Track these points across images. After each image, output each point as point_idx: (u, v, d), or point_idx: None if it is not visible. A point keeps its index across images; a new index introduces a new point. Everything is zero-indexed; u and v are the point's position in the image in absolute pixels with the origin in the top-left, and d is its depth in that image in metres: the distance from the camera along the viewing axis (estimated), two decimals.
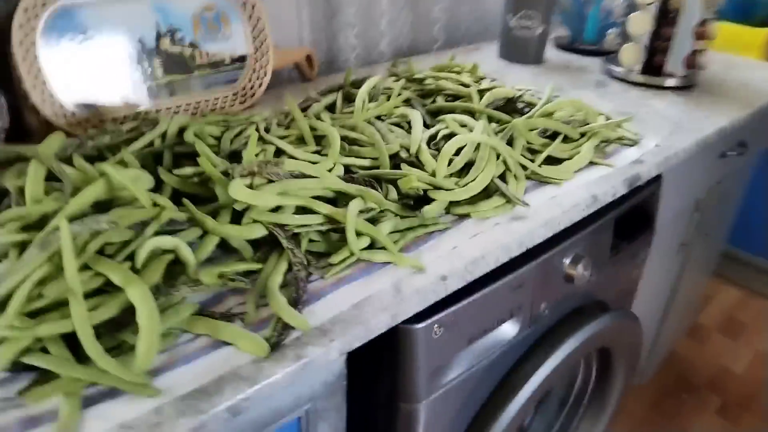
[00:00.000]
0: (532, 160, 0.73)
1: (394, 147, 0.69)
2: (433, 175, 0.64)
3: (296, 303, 0.49)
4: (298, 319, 0.46)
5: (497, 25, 1.28)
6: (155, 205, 0.51)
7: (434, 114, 0.82)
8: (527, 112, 0.83)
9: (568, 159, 0.75)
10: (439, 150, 0.69)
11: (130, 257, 0.47)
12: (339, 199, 0.60)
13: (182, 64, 0.86)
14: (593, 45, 1.31)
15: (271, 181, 0.56)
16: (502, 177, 0.70)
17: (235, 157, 0.64)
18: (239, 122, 0.73)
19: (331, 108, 0.84)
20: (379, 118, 0.79)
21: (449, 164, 0.67)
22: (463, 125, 0.75)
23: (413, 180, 0.60)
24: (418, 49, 1.33)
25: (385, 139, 0.71)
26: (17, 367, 0.41)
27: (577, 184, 0.71)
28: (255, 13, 0.91)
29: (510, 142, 0.75)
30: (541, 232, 0.64)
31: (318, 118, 0.76)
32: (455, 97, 0.86)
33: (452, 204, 0.64)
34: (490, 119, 0.79)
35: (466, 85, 0.88)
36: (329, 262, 0.54)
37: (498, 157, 0.70)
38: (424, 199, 0.63)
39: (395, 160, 0.68)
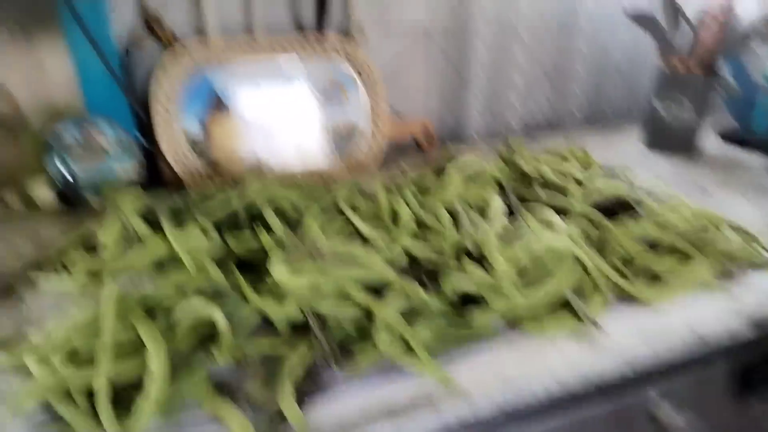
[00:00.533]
0: (623, 275, 0.64)
1: (464, 239, 0.66)
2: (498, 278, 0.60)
3: (305, 395, 0.48)
4: (297, 418, 0.46)
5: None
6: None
7: (525, 202, 0.78)
8: (639, 214, 0.74)
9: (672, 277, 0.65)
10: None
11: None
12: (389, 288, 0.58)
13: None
14: (766, 138, 1.14)
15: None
16: (581, 287, 0.62)
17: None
18: (322, 193, 0.76)
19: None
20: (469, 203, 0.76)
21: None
22: (549, 222, 0.69)
23: (453, 283, 0.56)
24: (554, 126, 1.27)
25: (460, 228, 0.69)
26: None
27: (678, 315, 0.61)
28: (371, 84, 0.95)
29: (602, 247, 0.67)
30: (612, 366, 0.55)
31: (402, 195, 0.76)
32: (557, 187, 0.80)
33: (510, 312, 0.59)
34: (587, 219, 0.72)
35: (571, 176, 0.81)
36: (354, 357, 0.52)
37: (582, 266, 0.63)
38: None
39: (462, 252, 0.65)
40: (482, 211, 0.73)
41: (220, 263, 0.59)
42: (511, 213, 0.74)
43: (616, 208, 0.76)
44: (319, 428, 0.46)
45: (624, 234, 0.67)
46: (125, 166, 0.82)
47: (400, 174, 0.86)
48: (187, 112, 0.85)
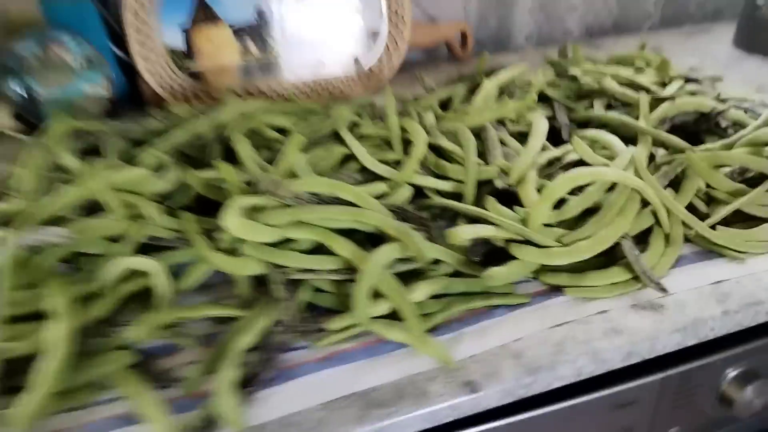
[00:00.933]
0: (706, 216, 0.48)
1: (491, 170, 0.51)
2: (525, 220, 0.45)
3: (251, 380, 0.36)
4: (231, 413, 0.34)
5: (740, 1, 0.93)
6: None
7: (583, 125, 0.60)
8: (730, 137, 0.56)
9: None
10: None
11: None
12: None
13: (302, 38, 0.78)
14: None
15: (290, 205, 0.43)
16: (645, 235, 0.47)
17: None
18: (319, 114, 0.61)
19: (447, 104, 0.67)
20: (502, 123, 0.60)
21: (558, 207, 0.46)
22: (608, 147, 0.52)
23: (459, 235, 0.41)
24: (623, 28, 1.05)
25: (487, 155, 0.53)
26: None
27: None
28: None
29: (677, 183, 0.50)
30: (674, 339, 0.41)
31: (420, 117, 0.61)
32: (624, 104, 0.62)
33: (545, 268, 0.44)
34: (660, 144, 0.54)
35: (642, 88, 0.62)
36: (323, 327, 0.40)
37: (644, 206, 0.47)
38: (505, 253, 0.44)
39: (489, 188, 0.50)
40: (522, 137, 0.57)
41: (176, 205, 0.47)
42: (560, 139, 0.58)
43: (701, 129, 0.58)
44: (265, 426, 0.34)
45: (708, 162, 0.49)
46: (94, 84, 0.70)
47: (423, 89, 0.70)
48: (166, 20, 0.71)
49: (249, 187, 0.47)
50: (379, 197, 0.49)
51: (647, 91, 0.61)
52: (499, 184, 0.49)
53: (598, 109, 0.61)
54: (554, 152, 0.52)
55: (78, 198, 0.42)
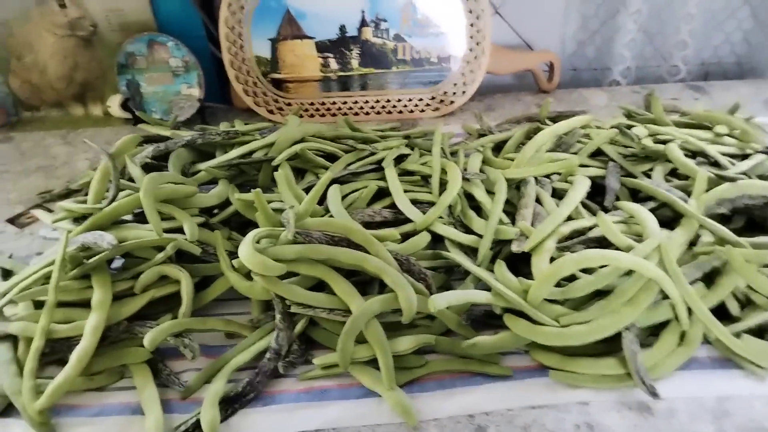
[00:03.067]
0: (738, 319, 0.45)
1: (510, 231, 0.50)
2: (525, 293, 0.45)
3: (237, 399, 0.41)
4: (209, 426, 0.38)
5: None
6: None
7: (635, 192, 0.58)
8: None
9: None
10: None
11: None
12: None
13: (381, 58, 0.80)
14: None
15: (310, 240, 0.47)
16: (659, 328, 0.45)
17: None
18: (375, 142, 0.64)
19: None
20: (548, 177, 0.59)
21: (561, 285, 0.46)
22: (641, 224, 0.50)
23: (435, 304, 0.42)
24: (750, 70, 0.95)
25: (517, 212, 0.53)
26: None
27: None
28: (478, 7, 0.77)
29: (710, 277, 0.47)
30: None
31: (467, 157, 0.61)
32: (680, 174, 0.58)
33: (537, 345, 0.44)
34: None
35: (704, 157, 0.58)
36: (311, 361, 0.43)
37: (666, 296, 0.45)
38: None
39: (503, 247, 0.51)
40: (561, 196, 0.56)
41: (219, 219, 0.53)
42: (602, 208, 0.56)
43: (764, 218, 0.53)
44: None
45: (751, 259, 0.46)
46: (190, 85, 0.78)
47: (484, 129, 0.70)
48: (256, 32, 0.77)
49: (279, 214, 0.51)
50: (396, 241, 0.51)
51: (714, 164, 0.56)
52: (514, 248, 0.49)
53: (657, 177, 0.57)
54: (582, 223, 0.51)
55: (132, 207, 0.49)
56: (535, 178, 0.58)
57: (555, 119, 0.67)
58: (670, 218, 0.53)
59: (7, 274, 0.52)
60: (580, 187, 0.54)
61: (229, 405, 0.41)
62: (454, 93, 0.81)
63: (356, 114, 0.81)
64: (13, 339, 0.44)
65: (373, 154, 0.61)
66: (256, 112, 0.80)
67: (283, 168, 0.55)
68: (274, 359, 0.43)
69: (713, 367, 0.43)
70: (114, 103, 0.79)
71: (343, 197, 0.56)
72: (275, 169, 0.57)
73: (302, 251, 0.46)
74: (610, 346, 0.43)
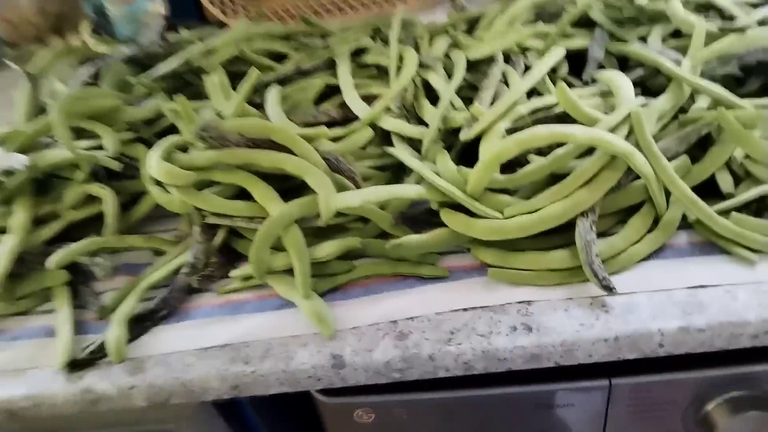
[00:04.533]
0: (730, 196, 0.36)
1: (458, 117, 0.44)
2: (464, 183, 0.39)
3: (149, 316, 0.39)
4: (115, 345, 0.37)
5: None
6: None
7: (622, 61, 0.48)
8: None
9: None
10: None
11: None
12: None
13: None
14: None
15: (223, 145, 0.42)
16: (633, 210, 0.38)
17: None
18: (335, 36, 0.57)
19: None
20: (524, 54, 0.50)
21: (513, 170, 0.39)
22: (607, 95, 0.41)
23: (339, 202, 0.36)
24: None
25: (477, 97, 0.46)
26: None
27: None
28: None
29: (701, 144, 0.38)
30: (600, 350, 0.33)
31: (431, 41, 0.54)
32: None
33: (479, 241, 0.38)
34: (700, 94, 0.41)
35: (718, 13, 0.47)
36: (228, 274, 0.40)
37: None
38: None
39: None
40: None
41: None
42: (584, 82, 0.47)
43: None
44: (142, 361, 0.37)
45: (748, 122, 0.36)
46: (154, 2, 0.73)
47: (456, 6, 0.61)
48: None
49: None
50: (336, 139, 0.46)
51: (724, 17, 0.45)
52: (462, 136, 0.42)
53: (653, 41, 0.47)
54: (545, 100, 0.42)
55: (48, 126, 0.46)
56: (508, 58, 0.49)
57: None
58: (666, 87, 0.43)
59: None
60: (548, 59, 0.45)
61: (142, 323, 0.38)
62: None
63: (334, 15, 0.74)
64: None
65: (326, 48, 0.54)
66: (228, 25, 0.74)
67: (215, 73, 0.50)
68: (189, 273, 0.40)
69: (692, 254, 0.36)
70: (85, 32, 0.76)
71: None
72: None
73: (216, 157, 0.41)
74: (566, 238, 0.37)
